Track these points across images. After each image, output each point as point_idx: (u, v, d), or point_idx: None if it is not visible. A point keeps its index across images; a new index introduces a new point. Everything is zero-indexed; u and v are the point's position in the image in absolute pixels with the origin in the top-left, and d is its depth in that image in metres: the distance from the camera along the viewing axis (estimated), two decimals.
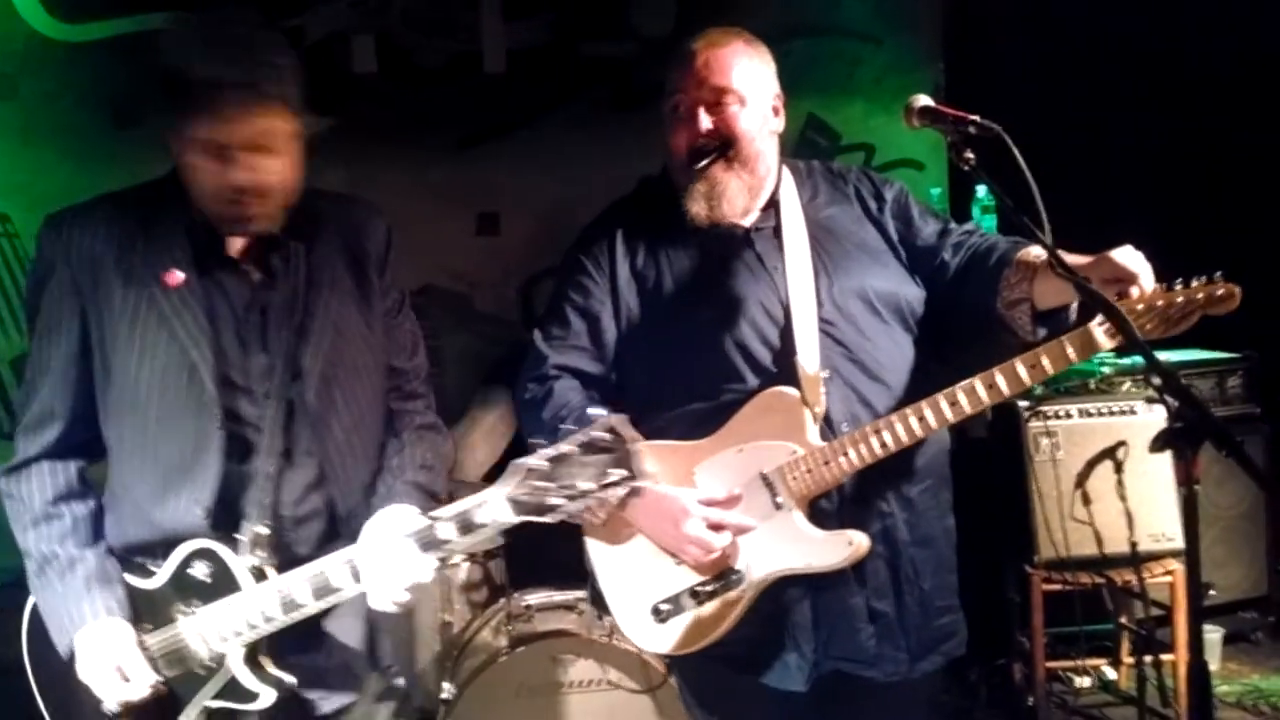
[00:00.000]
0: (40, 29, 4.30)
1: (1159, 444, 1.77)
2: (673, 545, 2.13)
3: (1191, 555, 1.85)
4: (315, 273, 2.00)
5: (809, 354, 2.14)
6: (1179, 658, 3.83)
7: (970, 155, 2.00)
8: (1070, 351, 2.02)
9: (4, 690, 2.11)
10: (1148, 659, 3.66)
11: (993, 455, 3.91)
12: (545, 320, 2.31)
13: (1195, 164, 4.60)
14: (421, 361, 2.18)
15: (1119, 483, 3.56)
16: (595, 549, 2.23)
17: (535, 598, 3.39)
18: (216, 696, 1.93)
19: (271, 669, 1.93)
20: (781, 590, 2.14)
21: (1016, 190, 1.98)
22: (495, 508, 1.71)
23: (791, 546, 2.11)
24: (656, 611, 2.15)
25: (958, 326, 2.27)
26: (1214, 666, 3.90)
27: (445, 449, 2.14)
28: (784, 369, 2.15)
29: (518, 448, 2.49)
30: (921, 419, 2.07)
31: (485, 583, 3.64)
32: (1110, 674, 4.16)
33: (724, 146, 2.19)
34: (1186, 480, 1.76)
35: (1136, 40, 4.58)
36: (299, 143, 1.97)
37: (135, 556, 1.96)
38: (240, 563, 1.89)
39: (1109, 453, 3.60)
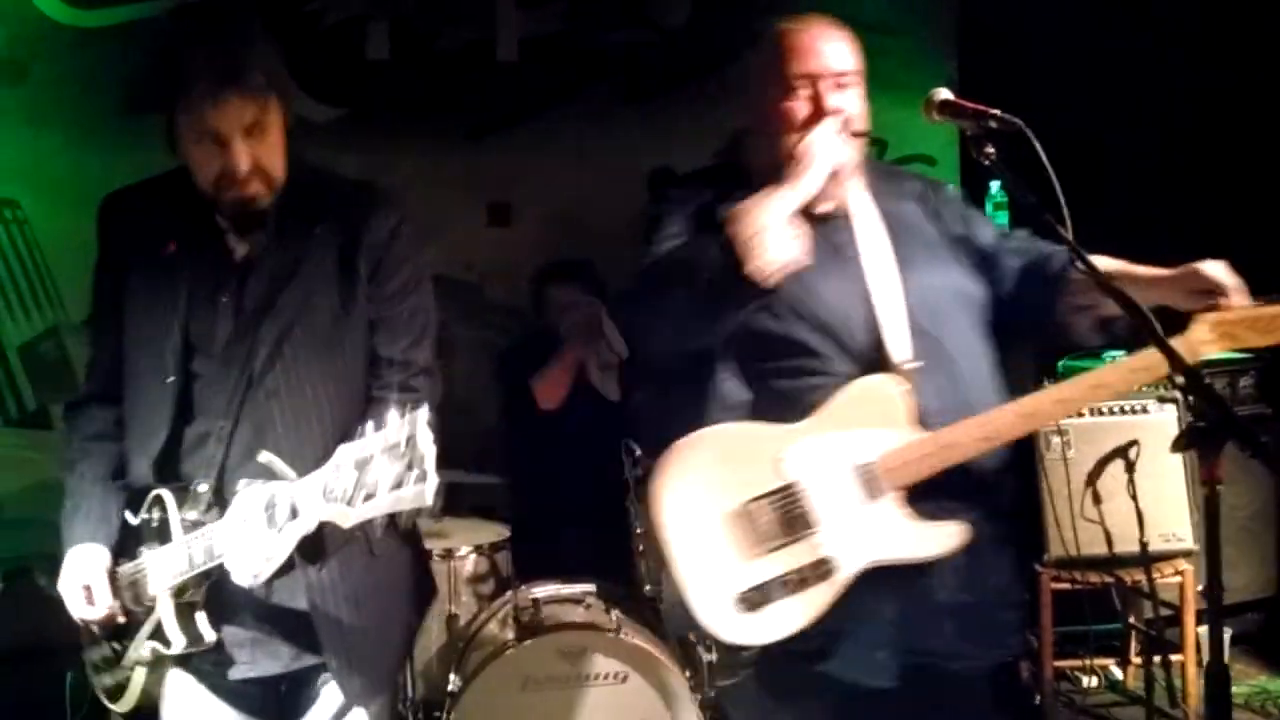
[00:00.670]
0: (52, 15, 4.30)
1: (1182, 443, 1.75)
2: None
3: (1212, 555, 1.83)
4: (299, 252, 2.08)
5: (898, 343, 2.12)
6: (1187, 658, 3.82)
7: (991, 150, 1.98)
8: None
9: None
10: (1156, 659, 3.65)
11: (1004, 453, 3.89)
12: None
13: (1212, 159, 4.57)
14: (420, 356, 2.17)
15: (1130, 482, 3.53)
16: (675, 536, 2.12)
17: (542, 590, 3.39)
18: (150, 636, 2.06)
19: (198, 622, 2.01)
20: (867, 582, 2.09)
21: (1034, 186, 1.97)
22: (309, 497, 1.77)
23: (888, 536, 2.08)
24: (743, 601, 2.07)
25: (1008, 331, 2.25)
26: None
27: None
28: (871, 357, 2.12)
29: None
30: (1030, 415, 2.06)
31: (492, 575, 3.63)
32: (1118, 674, 4.14)
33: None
34: (1209, 479, 1.75)
35: (1154, 37, 4.55)
36: (284, 126, 2.05)
37: (135, 499, 2.12)
38: (178, 515, 2.01)
39: (1120, 451, 3.57)
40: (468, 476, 3.71)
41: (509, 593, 3.41)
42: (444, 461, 3.61)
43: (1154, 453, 3.57)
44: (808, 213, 2.17)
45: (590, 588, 3.40)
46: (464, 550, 3.61)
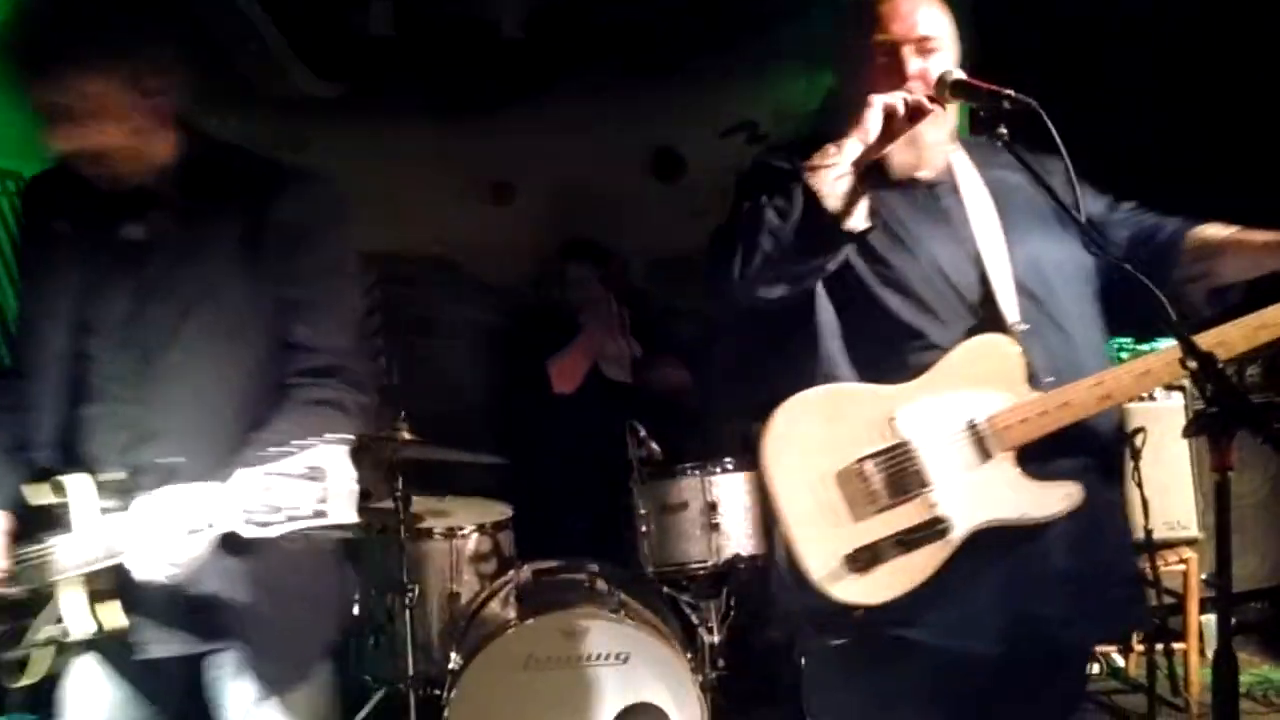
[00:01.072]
0: None
1: (1194, 429, 1.73)
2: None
3: (1222, 543, 1.80)
4: (201, 231, 2.01)
5: (1007, 305, 2.11)
6: (1190, 646, 3.81)
7: (1004, 130, 1.96)
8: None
9: None
10: (1159, 647, 3.64)
11: None
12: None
13: (1223, 139, 4.52)
14: (334, 341, 2.04)
15: (1136, 469, 3.51)
16: (785, 495, 2.11)
17: (545, 570, 3.37)
18: (55, 621, 1.99)
19: (108, 609, 1.95)
20: (975, 546, 2.07)
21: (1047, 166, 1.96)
22: (224, 513, 1.74)
23: (1003, 496, 2.06)
24: (853, 560, 2.05)
25: (1118, 303, 2.22)
26: None
27: (338, 426, 1.95)
28: (981, 320, 2.11)
29: None
30: (1146, 373, 2.04)
31: (494, 554, 3.62)
32: (1120, 661, 4.14)
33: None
34: (1220, 466, 1.73)
35: (1172, 12, 4.50)
36: (143, 109, 1.96)
37: (38, 478, 2.05)
38: (83, 502, 1.95)
39: (1127, 439, 3.55)
40: (469, 456, 3.69)
41: (511, 572, 3.40)
42: (446, 441, 3.63)
43: (1160, 440, 3.56)
44: (912, 180, 2.18)
45: (593, 567, 3.39)
46: (466, 529, 3.60)
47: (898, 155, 2.15)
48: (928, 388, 2.09)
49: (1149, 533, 3.51)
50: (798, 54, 4.65)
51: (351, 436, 1.84)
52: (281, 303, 2.01)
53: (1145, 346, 4.02)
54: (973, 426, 2.07)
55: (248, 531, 1.71)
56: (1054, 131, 1.88)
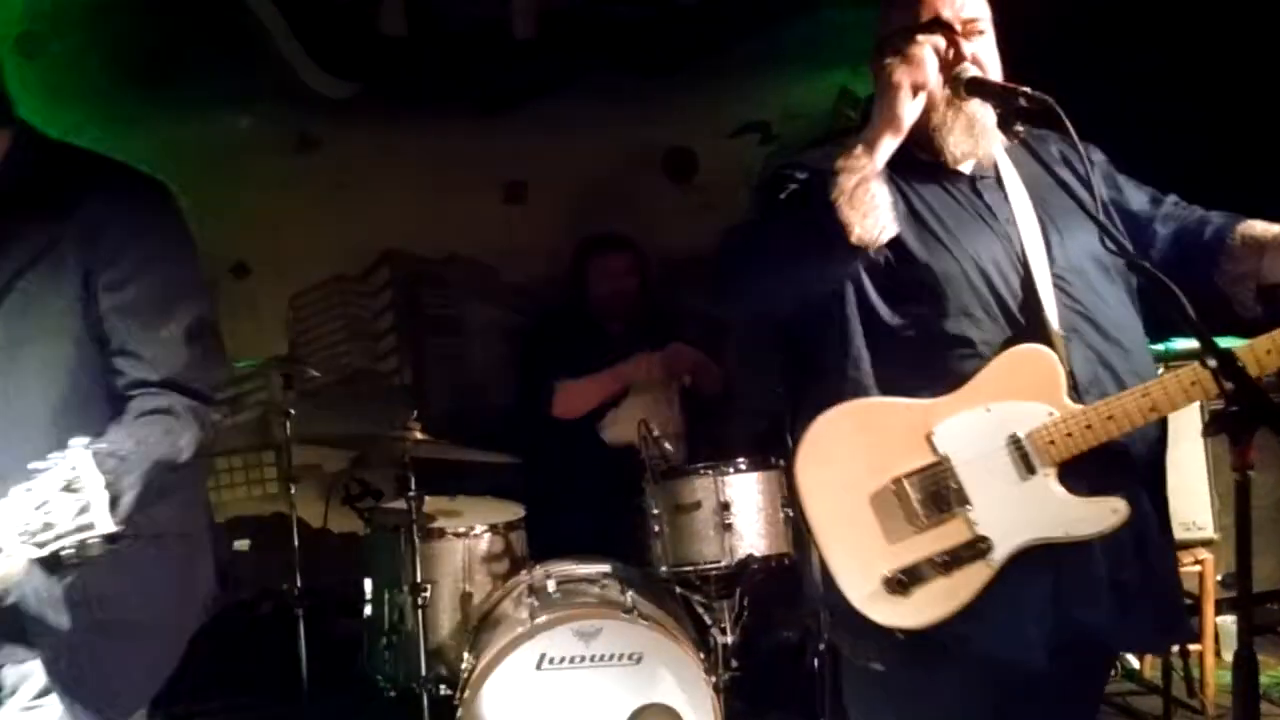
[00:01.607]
0: None
1: (1214, 428, 1.71)
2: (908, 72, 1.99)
3: (1242, 542, 1.78)
4: (8, 233, 1.91)
5: (1051, 311, 2.04)
6: (1206, 648, 3.79)
7: (1020, 128, 1.94)
8: None
9: None
10: (1174, 649, 3.61)
11: None
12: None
13: (1225, 139, 4.49)
14: (170, 351, 1.93)
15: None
16: (820, 515, 2.04)
17: (557, 570, 3.37)
18: None
19: None
20: (1021, 562, 1.99)
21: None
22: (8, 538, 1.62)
23: (1048, 514, 1.99)
24: (894, 582, 1.98)
25: (1153, 300, 2.16)
26: (1231, 658, 3.84)
27: (162, 434, 1.88)
28: (1023, 326, 2.04)
29: None
30: (1195, 383, 1.95)
31: (506, 554, 3.62)
32: (1135, 663, 4.12)
33: None
34: (1240, 466, 1.71)
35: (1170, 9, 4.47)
36: None
37: None
38: None
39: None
40: (482, 455, 3.69)
41: (524, 572, 3.40)
42: (459, 440, 3.63)
43: (1175, 441, 3.46)
44: (952, 171, 2.12)
45: (605, 568, 3.38)
46: (479, 529, 3.59)
47: (954, 141, 2.08)
48: (967, 400, 2.01)
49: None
50: (808, 54, 4.64)
51: (188, 445, 1.82)
52: (106, 309, 1.91)
53: (1159, 346, 4.01)
54: (1015, 441, 1.99)
55: (24, 553, 1.61)
56: (1070, 129, 1.86)
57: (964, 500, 1.98)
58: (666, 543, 3.35)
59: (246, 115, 4.46)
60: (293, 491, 3.74)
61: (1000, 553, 1.98)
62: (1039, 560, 2.00)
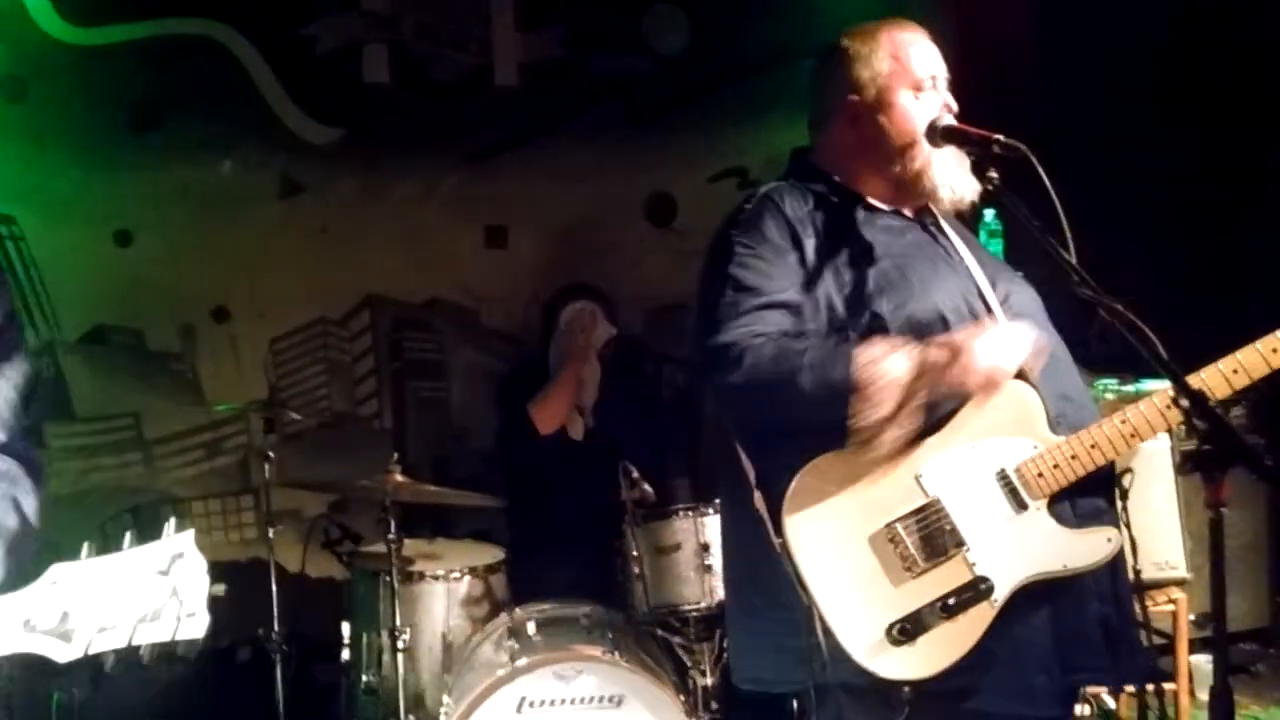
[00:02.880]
0: (53, 33, 4.30)
1: (1188, 467, 1.76)
2: (971, 382, 1.94)
3: (1217, 580, 1.81)
4: None
5: None
6: (1180, 687, 3.81)
7: (994, 175, 1.99)
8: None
9: None
10: (1150, 688, 3.63)
11: None
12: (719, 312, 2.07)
13: (1207, 181, 4.59)
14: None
15: (1124, 510, 3.53)
16: (810, 567, 1.96)
17: (537, 612, 3.37)
18: None
19: None
20: (1018, 602, 1.98)
21: (1037, 211, 1.99)
22: (3, 627, 1.43)
23: (1044, 548, 1.98)
24: (897, 632, 1.92)
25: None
26: (1205, 697, 3.87)
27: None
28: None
29: None
30: (1169, 407, 1.97)
31: (486, 597, 3.61)
32: (1110, 703, 4.13)
33: None
34: (1214, 503, 1.74)
35: (1146, 57, 4.58)
36: None
37: None
38: None
39: (1114, 480, 3.57)
40: (463, 498, 3.70)
41: (504, 614, 3.40)
42: (440, 483, 3.63)
43: (1147, 481, 3.56)
44: (906, 217, 2.18)
45: (586, 610, 3.39)
46: (459, 572, 3.59)
47: (933, 187, 2.14)
48: (949, 440, 1.99)
49: (1138, 573, 3.52)
50: (787, 101, 4.71)
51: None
52: None
53: (1129, 388, 4.07)
54: (1003, 476, 1.99)
55: (45, 647, 1.42)
56: (1043, 175, 1.92)
57: (959, 541, 1.96)
58: (647, 585, 3.36)
59: (230, 160, 4.49)
60: (271, 535, 3.74)
61: (1001, 591, 1.95)
62: (1035, 603, 1.98)
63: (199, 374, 4.44)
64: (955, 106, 2.17)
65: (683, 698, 3.20)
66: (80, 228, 4.34)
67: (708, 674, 3.35)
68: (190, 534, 1.48)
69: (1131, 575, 3.45)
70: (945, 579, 1.96)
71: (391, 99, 4.60)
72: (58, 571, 1.42)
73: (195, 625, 1.45)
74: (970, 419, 2.01)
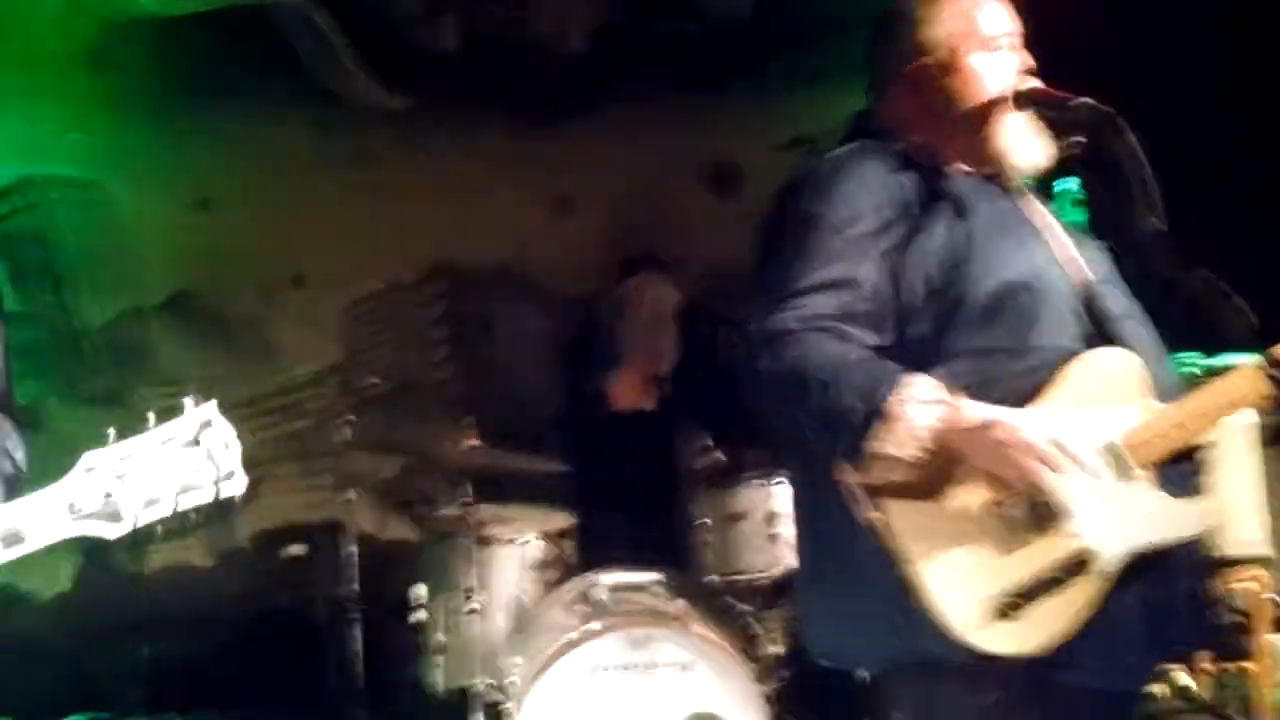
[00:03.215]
0: (140, 3, 4.38)
1: (1272, 436, 1.72)
2: (1012, 469, 1.87)
3: None
4: None
5: (1114, 312, 2.02)
6: (1261, 666, 3.74)
7: (1079, 139, 1.94)
8: None
9: None
10: (1229, 666, 3.58)
11: None
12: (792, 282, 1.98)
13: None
14: None
15: (1204, 487, 3.47)
16: (910, 539, 1.90)
17: (607, 578, 3.40)
18: None
19: None
20: (1126, 576, 1.92)
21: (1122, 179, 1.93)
22: (49, 518, 1.51)
23: (1146, 519, 1.92)
24: (1003, 607, 1.87)
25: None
26: None
27: None
28: (1093, 329, 2.00)
29: None
30: (1267, 378, 1.90)
31: (557, 561, 3.66)
32: (1187, 681, 4.07)
33: None
34: None
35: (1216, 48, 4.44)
36: None
37: None
38: None
39: (1194, 453, 3.51)
40: (533, 463, 3.74)
41: (574, 579, 3.44)
42: (509, 447, 3.67)
43: (1226, 457, 3.50)
44: (993, 182, 2.08)
45: (655, 576, 3.41)
46: (529, 536, 3.63)
47: (1013, 151, 2.07)
48: (1054, 407, 1.93)
49: (1218, 550, 3.47)
50: (850, 68, 4.66)
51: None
52: None
53: (1216, 361, 3.98)
54: (1108, 446, 1.92)
55: (94, 529, 1.51)
56: (1132, 140, 1.85)
57: (1065, 511, 1.90)
58: (716, 551, 3.38)
59: (305, 129, 4.55)
60: (347, 498, 3.81)
61: (1106, 564, 1.90)
62: (1131, 575, 1.92)
63: (277, 338, 4.52)
64: (1033, 65, 2.11)
65: (751, 665, 3.21)
66: (163, 194, 4.44)
67: (776, 641, 3.36)
68: (213, 404, 1.56)
69: (1212, 552, 3.44)
70: (1050, 550, 1.90)
71: (462, 67, 4.62)
72: (91, 458, 1.51)
73: (234, 484, 1.53)
74: (1072, 387, 1.96)
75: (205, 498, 1.53)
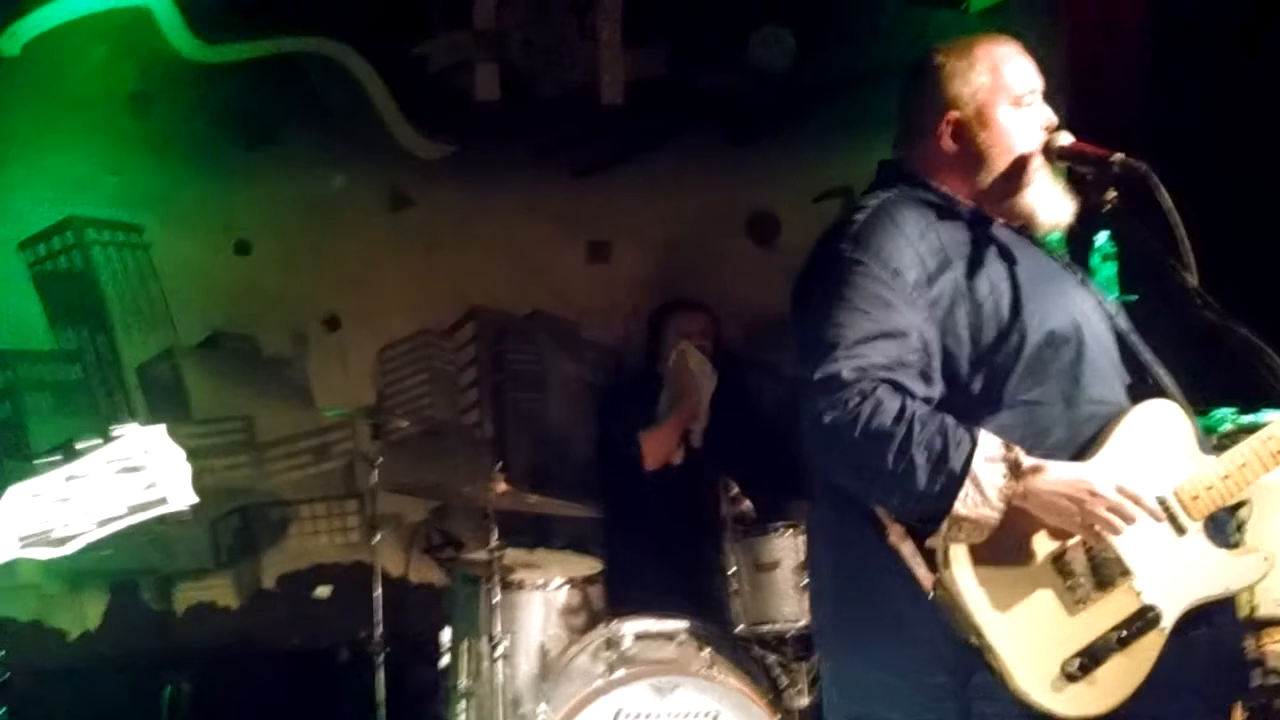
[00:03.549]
0: (182, 50, 4.47)
1: None
2: (1082, 523, 1.86)
3: None
4: None
5: (1152, 364, 2.05)
6: None
7: (1113, 195, 1.95)
8: None
9: None
10: None
11: None
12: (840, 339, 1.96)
13: None
14: None
15: (1241, 543, 3.42)
16: (983, 606, 1.86)
17: (635, 625, 3.39)
18: None
19: None
20: (1181, 629, 1.94)
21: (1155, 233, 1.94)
22: None
23: (1204, 571, 1.96)
24: (1072, 669, 1.86)
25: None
26: None
27: None
28: (1133, 381, 2.04)
29: None
30: None
31: (584, 608, 3.64)
32: None
33: None
34: None
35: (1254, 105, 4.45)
36: None
37: None
38: None
39: (1231, 512, 3.46)
40: (563, 508, 3.74)
41: (601, 626, 3.42)
42: (539, 492, 3.68)
43: (1265, 513, 3.45)
44: (1029, 234, 2.11)
45: (683, 624, 3.39)
46: (557, 582, 3.62)
47: (1047, 207, 2.09)
48: (1108, 463, 1.93)
49: (1253, 609, 3.41)
50: (889, 120, 4.69)
51: None
52: None
53: (1247, 418, 3.93)
54: (1161, 501, 1.94)
55: (40, 554, 1.54)
56: (1165, 196, 1.87)
57: (1125, 569, 1.91)
58: (745, 600, 3.36)
59: (343, 174, 4.61)
60: (375, 540, 3.82)
61: (1169, 618, 1.91)
62: (1198, 629, 1.94)
63: (309, 380, 4.56)
64: (1056, 120, 2.12)
65: (778, 717, 3.18)
66: (201, 238, 4.50)
67: (804, 693, 3.33)
68: (161, 428, 1.57)
69: (1247, 611, 3.38)
70: (1115, 609, 1.91)
71: (500, 116, 4.69)
72: (37, 484, 1.52)
73: (181, 501, 1.57)
74: (1124, 441, 1.96)
75: (153, 514, 1.56)
